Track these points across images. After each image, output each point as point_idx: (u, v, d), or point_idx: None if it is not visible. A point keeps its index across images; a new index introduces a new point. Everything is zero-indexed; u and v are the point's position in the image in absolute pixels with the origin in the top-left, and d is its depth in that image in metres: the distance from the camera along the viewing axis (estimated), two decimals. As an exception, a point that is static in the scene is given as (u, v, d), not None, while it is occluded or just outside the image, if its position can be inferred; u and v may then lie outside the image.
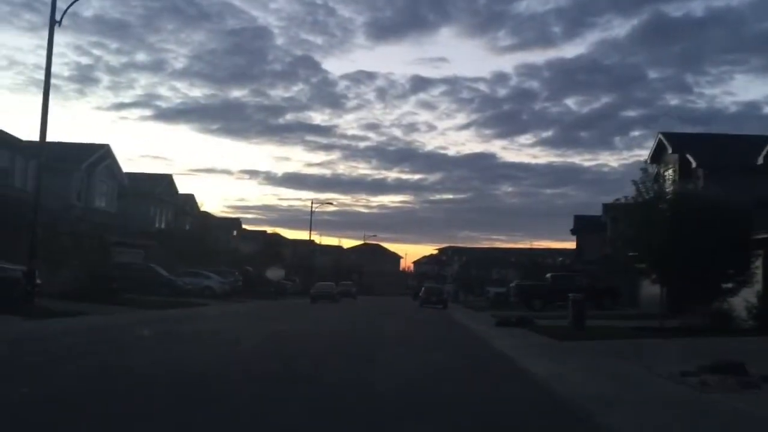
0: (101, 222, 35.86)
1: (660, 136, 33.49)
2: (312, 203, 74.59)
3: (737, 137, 35.14)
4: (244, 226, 69.56)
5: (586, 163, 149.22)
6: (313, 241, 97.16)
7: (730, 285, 19.60)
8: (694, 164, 30.30)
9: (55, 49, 19.84)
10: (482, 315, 31.83)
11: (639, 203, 22.03)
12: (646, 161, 35.48)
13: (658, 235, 19.47)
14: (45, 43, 19.96)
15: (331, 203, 72.33)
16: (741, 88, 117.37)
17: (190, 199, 54.16)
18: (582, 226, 53.85)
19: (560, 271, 46.26)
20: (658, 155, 33.99)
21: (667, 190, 23.50)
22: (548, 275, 36.57)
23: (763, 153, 26.91)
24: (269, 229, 66.62)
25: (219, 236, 59.32)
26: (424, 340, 17.35)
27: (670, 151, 31.96)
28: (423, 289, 45.32)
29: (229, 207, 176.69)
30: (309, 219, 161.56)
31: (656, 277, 21.59)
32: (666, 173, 32.53)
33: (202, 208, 56.81)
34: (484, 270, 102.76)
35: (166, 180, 47.22)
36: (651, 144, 34.97)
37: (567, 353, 14.17)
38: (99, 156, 37.76)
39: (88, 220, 34.27)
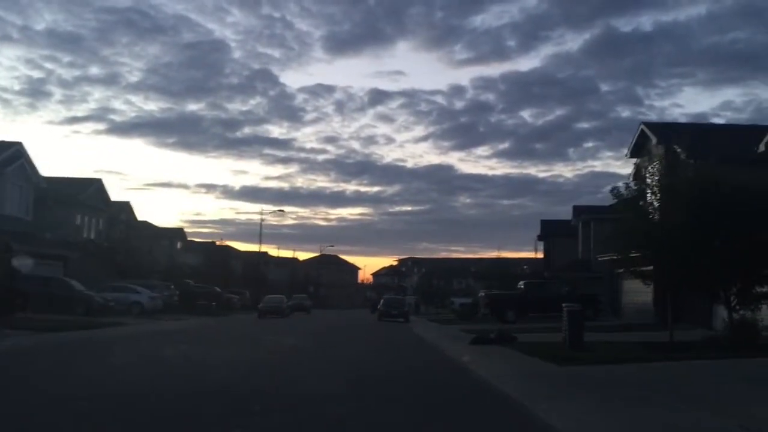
0: (12, 230, 30.68)
1: (642, 126, 29.99)
2: (262, 212, 69.82)
3: (723, 127, 31.98)
4: (191, 238, 64.40)
5: (542, 174, 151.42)
6: (266, 252, 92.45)
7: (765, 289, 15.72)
8: (683, 155, 26.77)
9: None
10: (450, 329, 27.68)
11: (640, 193, 18.44)
12: (626, 155, 32.16)
13: (677, 231, 15.62)
14: None
15: (282, 211, 67.60)
16: (689, 101, 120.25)
17: (125, 207, 48.90)
18: (550, 232, 50.31)
19: (528, 279, 42.47)
20: (639, 148, 30.49)
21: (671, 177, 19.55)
22: (521, 283, 32.62)
23: (765, 140, 23.66)
24: (218, 241, 61.36)
25: (160, 247, 54.30)
26: (385, 372, 12.97)
27: (654, 141, 28.42)
28: (382, 301, 40.89)
29: (186, 221, 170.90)
30: (267, 232, 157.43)
31: (664, 279, 17.70)
32: (650, 167, 28.98)
33: (141, 218, 51.70)
34: (445, 281, 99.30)
35: (95, 185, 41.89)
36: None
37: (580, 388, 10.04)
38: (9, 156, 32.62)
39: (-5, 228, 29.11)
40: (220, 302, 43.67)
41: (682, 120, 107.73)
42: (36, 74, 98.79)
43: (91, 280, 34.19)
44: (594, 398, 8.96)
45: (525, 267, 66.20)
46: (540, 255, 66.23)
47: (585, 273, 39.57)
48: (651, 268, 18.18)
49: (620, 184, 19.64)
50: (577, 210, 43.62)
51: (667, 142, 27.92)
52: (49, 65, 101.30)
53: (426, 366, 14.24)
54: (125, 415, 7.44)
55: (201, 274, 53.84)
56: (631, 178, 33.07)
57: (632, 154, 31.26)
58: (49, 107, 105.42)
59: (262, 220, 61.62)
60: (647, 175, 29.03)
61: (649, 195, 19.80)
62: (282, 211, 62.95)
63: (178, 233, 59.50)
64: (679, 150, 27.14)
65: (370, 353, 16.98)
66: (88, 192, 40.80)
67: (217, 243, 58.99)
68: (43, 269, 31.39)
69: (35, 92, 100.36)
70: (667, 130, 29.05)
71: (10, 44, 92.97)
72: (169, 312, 33.92)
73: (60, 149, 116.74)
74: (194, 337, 20.80)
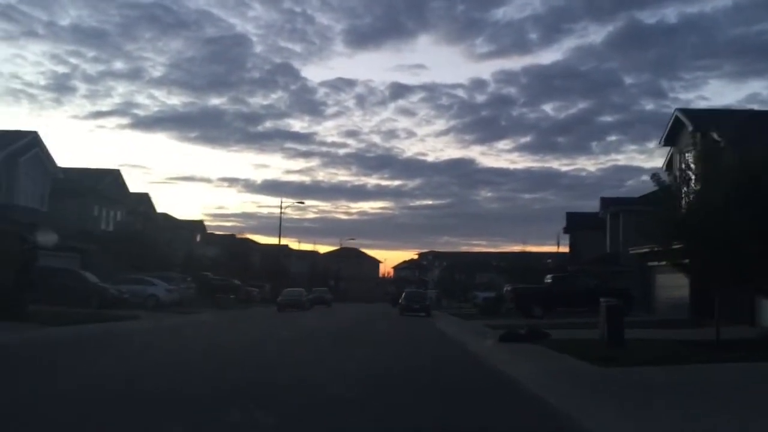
0: (26, 221, 30.03)
1: (677, 113, 28.49)
2: (281, 203, 68.91)
3: (761, 113, 30.31)
4: (211, 231, 63.81)
5: (564, 168, 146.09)
6: (287, 245, 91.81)
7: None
8: (722, 142, 25.31)
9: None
10: (474, 325, 26.51)
11: (682, 181, 17.15)
12: (659, 143, 30.72)
13: (721, 220, 14.32)
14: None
15: (302, 203, 66.71)
16: (715, 93, 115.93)
17: (143, 198, 48.27)
18: (576, 224, 48.78)
19: (553, 273, 41.07)
20: (673, 136, 29.03)
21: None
22: (548, 277, 31.29)
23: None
24: (238, 234, 60.51)
25: (179, 240, 53.66)
26: (407, 371, 11.89)
27: (690, 128, 26.90)
28: (404, 294, 39.80)
29: (208, 215, 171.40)
30: (288, 226, 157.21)
31: (707, 271, 16.38)
32: (687, 154, 27.52)
33: (161, 210, 51.12)
34: (466, 275, 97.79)
35: (112, 176, 41.27)
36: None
37: (629, 392, 8.87)
38: (24, 144, 31.98)
39: (9, 219, 28.44)
40: (239, 295, 42.89)
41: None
42: (61, 69, 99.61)
43: (108, 272, 33.52)
44: (648, 405, 7.80)
45: (549, 261, 64.56)
46: (563, 249, 64.86)
47: (613, 267, 38.13)
48: (689, 260, 16.90)
49: (659, 171, 18.29)
50: (605, 202, 42.10)
51: (704, 129, 26.47)
52: (73, 60, 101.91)
53: (452, 364, 13.14)
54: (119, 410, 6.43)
55: (220, 266, 53.09)
56: (664, 167, 31.75)
57: (666, 143, 29.82)
58: (74, 102, 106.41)
59: (282, 212, 60.54)
60: (684, 163, 27.63)
61: (691, 183, 18.43)
62: (302, 203, 62.35)
63: (197, 226, 58.85)
64: (717, 137, 25.73)
65: (395, 349, 15.90)
66: (105, 183, 40.20)
67: (237, 236, 58.18)
68: (59, 261, 30.79)
69: (60, 87, 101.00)
70: (703, 117, 27.57)
71: (36, 40, 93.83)
72: (187, 305, 33.11)
73: (84, 143, 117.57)
74: (212, 333, 19.87)
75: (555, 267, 47.02)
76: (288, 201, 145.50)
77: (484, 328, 24.08)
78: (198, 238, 58.11)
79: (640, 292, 31.50)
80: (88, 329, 18.62)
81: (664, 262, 27.56)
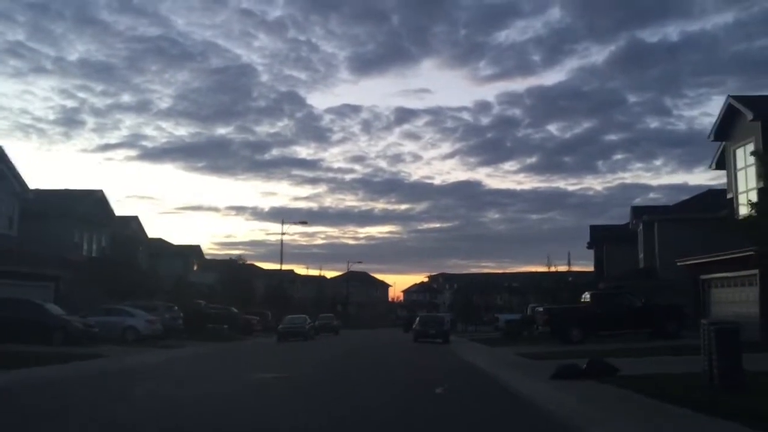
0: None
1: (731, 100, 24.35)
2: (282, 223, 65.23)
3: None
4: (209, 257, 59.73)
5: (571, 188, 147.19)
6: (292, 270, 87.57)
7: None
8: (792, 129, 21.23)
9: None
10: (504, 353, 22.24)
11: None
12: (708, 138, 26.57)
13: None
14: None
15: (305, 222, 63.31)
16: (719, 109, 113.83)
17: (132, 221, 44.28)
18: (601, 238, 44.43)
19: (581, 291, 36.74)
20: (726, 127, 24.91)
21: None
22: (586, 295, 26.92)
23: None
24: (239, 259, 56.19)
25: (172, 266, 49.70)
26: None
27: (750, 117, 22.77)
28: (418, 319, 35.44)
29: (217, 244, 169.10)
30: (296, 252, 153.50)
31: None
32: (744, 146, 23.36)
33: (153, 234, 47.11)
34: (479, 296, 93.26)
35: (94, 196, 37.29)
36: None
37: None
38: (-15, 161, 28.13)
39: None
40: (236, 324, 38.65)
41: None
42: (70, 103, 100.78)
43: (87, 302, 29.51)
44: None
45: (570, 279, 60.11)
46: (580, 267, 60.74)
47: (649, 282, 33.79)
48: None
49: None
50: (637, 211, 37.84)
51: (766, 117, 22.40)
52: (82, 94, 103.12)
53: (511, 427, 8.86)
54: None
55: (218, 294, 49.07)
56: (713, 165, 27.60)
57: (717, 137, 25.67)
58: (83, 135, 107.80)
59: (287, 236, 56.42)
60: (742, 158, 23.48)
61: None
62: (305, 222, 58.24)
63: (194, 250, 54.75)
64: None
65: (417, 397, 11.65)
66: (86, 204, 36.25)
67: (239, 261, 53.81)
68: (28, 290, 26.80)
69: (69, 121, 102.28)
70: (763, 103, 23.48)
71: (45, 75, 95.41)
72: (172, 337, 28.94)
73: (93, 176, 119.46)
74: (159, 377, 15.58)
75: (582, 285, 42.58)
76: (297, 229, 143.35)
77: (518, 357, 19.83)
78: (194, 264, 54.02)
79: (691, 309, 27.17)
80: (34, 373, 14.51)
81: (725, 274, 23.64)
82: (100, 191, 38.36)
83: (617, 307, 25.11)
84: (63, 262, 31.71)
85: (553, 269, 45.90)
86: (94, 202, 37.39)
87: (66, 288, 30.84)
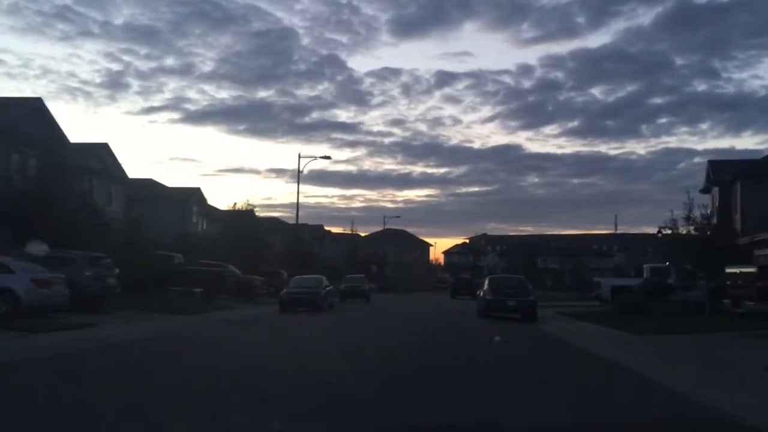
0: None
1: None
2: (299, 156, 53.35)
3: None
4: (213, 204, 48.13)
5: (613, 152, 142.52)
6: (321, 226, 76.14)
7: None
8: None
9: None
10: (683, 351, 10.07)
11: None
12: None
13: None
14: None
15: (328, 157, 52.27)
16: None
17: (97, 151, 32.59)
18: (728, 176, 31.37)
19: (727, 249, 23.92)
20: None
21: None
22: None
23: None
24: (247, 206, 44.09)
25: (166, 213, 38.56)
26: None
27: None
28: (487, 283, 22.33)
29: (258, 205, 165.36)
30: (335, 215, 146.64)
31: None
32: None
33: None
34: (525, 259, 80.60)
35: (29, 106, 25.55)
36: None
37: None
38: None
39: None
40: (227, 287, 27.20)
41: (762, 93, 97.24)
42: (115, 67, 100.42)
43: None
44: None
45: (659, 235, 46.92)
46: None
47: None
48: None
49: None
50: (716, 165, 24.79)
51: None
52: (127, 58, 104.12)
53: None
54: None
55: (220, 248, 37.77)
56: None
57: None
58: (128, 98, 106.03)
59: (300, 172, 43.77)
60: None
61: None
62: (328, 157, 46.40)
63: (192, 195, 43.03)
64: None
65: None
66: (16, 116, 24.69)
67: (245, 209, 41.74)
68: None
69: (114, 84, 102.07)
70: None
71: (91, 39, 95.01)
72: (97, 304, 17.40)
73: (138, 139, 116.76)
74: None
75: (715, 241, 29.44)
76: (336, 192, 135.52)
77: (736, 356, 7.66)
78: (193, 212, 42.63)
79: None
80: None
81: None
82: (39, 100, 26.78)
83: None
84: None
85: (631, 232, 33.13)
86: (28, 113, 25.85)
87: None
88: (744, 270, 14.69)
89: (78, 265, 18.06)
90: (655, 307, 21.49)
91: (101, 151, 33.31)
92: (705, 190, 34.31)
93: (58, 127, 28.74)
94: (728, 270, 15.25)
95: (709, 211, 27.86)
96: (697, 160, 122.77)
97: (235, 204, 41.28)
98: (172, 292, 21.09)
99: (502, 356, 11.62)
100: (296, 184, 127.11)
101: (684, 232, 24.97)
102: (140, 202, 36.11)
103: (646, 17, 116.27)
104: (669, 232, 23.71)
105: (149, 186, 40.33)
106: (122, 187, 34.85)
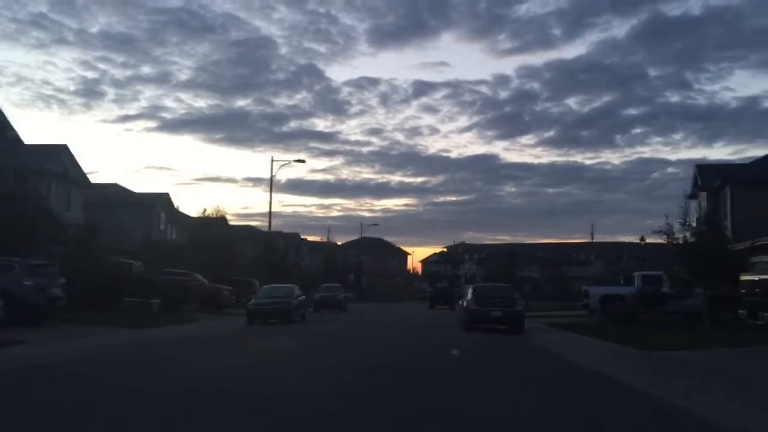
0: None
1: None
2: (272, 160, 51.59)
3: None
4: (181, 210, 45.98)
5: (588, 162, 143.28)
6: (297, 234, 74.18)
7: None
8: None
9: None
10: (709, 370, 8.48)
11: None
12: None
13: None
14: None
15: (303, 161, 51.41)
16: (741, 84, 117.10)
17: (56, 153, 30.55)
18: (717, 181, 30.28)
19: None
20: None
21: None
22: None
23: None
24: (216, 212, 41.99)
25: (131, 219, 36.50)
26: None
27: None
28: (471, 292, 20.53)
29: (234, 215, 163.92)
30: (312, 224, 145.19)
31: None
32: None
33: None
34: (505, 268, 79.16)
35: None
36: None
37: None
38: None
39: None
40: (192, 296, 25.25)
41: (733, 105, 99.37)
42: (90, 75, 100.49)
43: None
44: None
45: (643, 242, 45.90)
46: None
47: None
48: None
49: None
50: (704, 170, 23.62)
51: None
52: (102, 66, 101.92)
53: None
54: None
55: (188, 257, 35.78)
56: None
57: None
58: (103, 106, 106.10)
59: (273, 176, 41.73)
60: None
61: None
62: (303, 161, 45.16)
63: (159, 200, 40.96)
64: None
65: None
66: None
67: (213, 215, 39.49)
68: None
69: (90, 92, 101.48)
70: None
71: (66, 46, 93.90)
72: (54, 318, 15.36)
73: (113, 147, 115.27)
74: None
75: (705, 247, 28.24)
76: (313, 201, 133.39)
77: None
78: (161, 218, 40.51)
79: None
80: None
81: None
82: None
83: None
84: None
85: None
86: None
87: None
88: (765, 277, 13.20)
89: (16, 273, 16.05)
90: (650, 317, 20.01)
91: (61, 154, 31.29)
92: (692, 196, 33.05)
93: (12, 127, 26.76)
94: (743, 277, 13.77)
95: (696, 217, 26.67)
96: (670, 170, 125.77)
97: (205, 210, 39.20)
98: (127, 303, 19.04)
99: (498, 383, 9.91)
100: (274, 193, 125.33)
101: (680, 237, 23.65)
102: (103, 207, 34.04)
103: (620, 29, 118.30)
104: (665, 239, 22.14)
105: (114, 191, 38.20)
106: (83, 191, 32.72)
